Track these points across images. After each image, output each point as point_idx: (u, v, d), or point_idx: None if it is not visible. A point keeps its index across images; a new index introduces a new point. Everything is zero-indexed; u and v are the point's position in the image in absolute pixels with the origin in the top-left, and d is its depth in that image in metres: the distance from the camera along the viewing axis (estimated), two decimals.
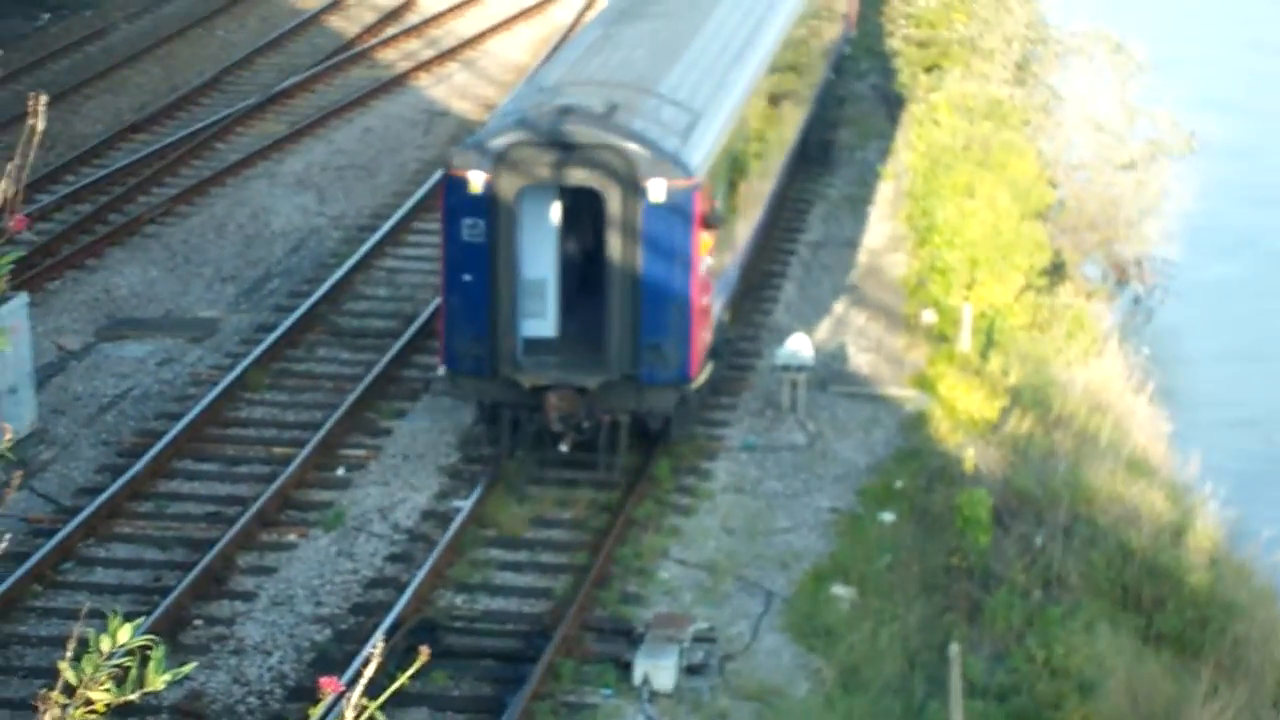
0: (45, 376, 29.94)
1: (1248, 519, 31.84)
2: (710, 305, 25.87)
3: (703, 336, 25.36)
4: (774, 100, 35.03)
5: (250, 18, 51.51)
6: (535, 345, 25.61)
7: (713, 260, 25.69)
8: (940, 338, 34.74)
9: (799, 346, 31.88)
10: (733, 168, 29.53)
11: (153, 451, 27.93)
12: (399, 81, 46.77)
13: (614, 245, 24.05)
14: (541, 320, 24.77)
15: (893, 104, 47.55)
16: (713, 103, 28.21)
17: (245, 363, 30.62)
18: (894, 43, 50.86)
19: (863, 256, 38.85)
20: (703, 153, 25.80)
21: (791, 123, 37.12)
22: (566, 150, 24.10)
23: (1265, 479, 35.02)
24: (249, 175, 39.78)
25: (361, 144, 42.06)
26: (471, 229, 24.04)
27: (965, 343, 34.03)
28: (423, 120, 43.54)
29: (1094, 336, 37.30)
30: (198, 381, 30.86)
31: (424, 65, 48.14)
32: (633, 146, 24.17)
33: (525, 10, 53.19)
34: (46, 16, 49.09)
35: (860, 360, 34.09)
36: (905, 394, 33.17)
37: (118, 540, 26.16)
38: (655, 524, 27.67)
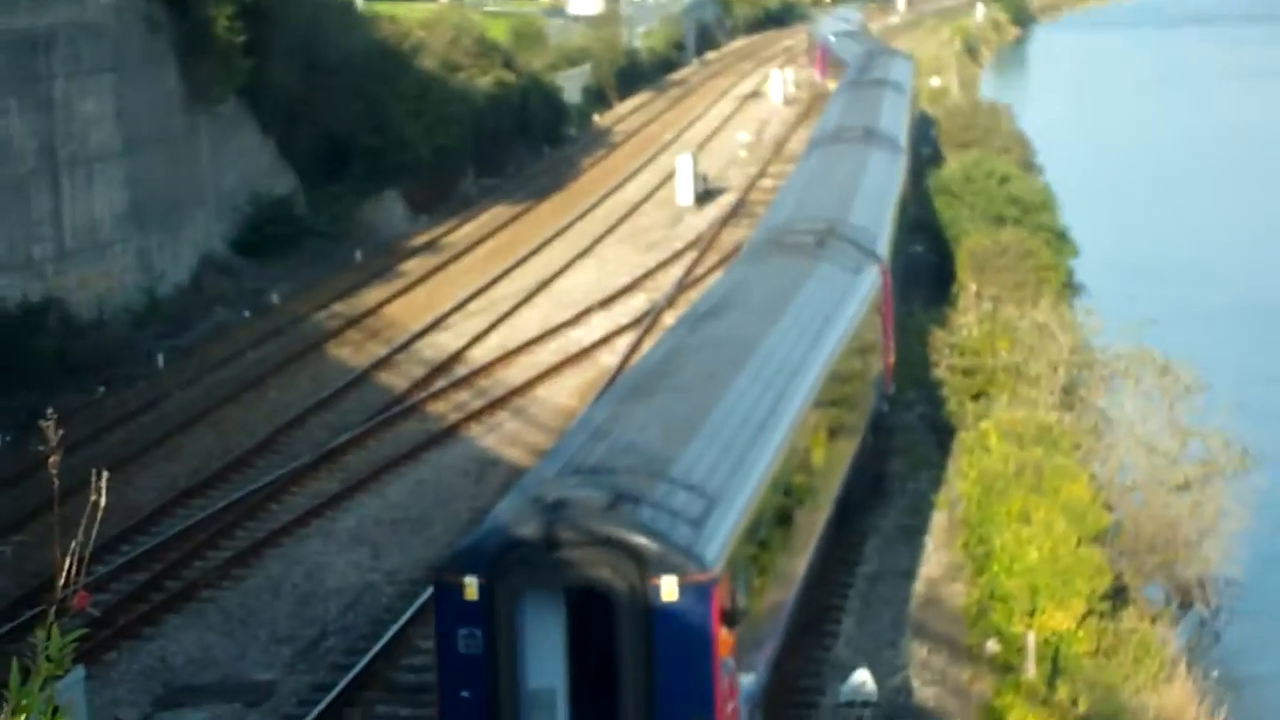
0: None
1: None
2: (737, 710, 23.59)
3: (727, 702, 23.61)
4: (803, 470, 32.72)
5: (301, 377, 51.85)
6: None
7: (736, 660, 23.59)
8: (1005, 668, 33.99)
9: (862, 681, 31.39)
10: (759, 551, 27.38)
11: None
12: (449, 433, 46.69)
13: (625, 651, 22.02)
14: None
15: (942, 432, 47.40)
16: (732, 482, 26.02)
17: None
18: (939, 372, 50.79)
19: (921, 587, 38.39)
20: (720, 541, 23.50)
21: (826, 491, 34.89)
22: (568, 548, 22.13)
23: None
24: (303, 534, 39.60)
25: (414, 497, 41.86)
26: (468, 640, 21.97)
27: (1030, 671, 33.28)
28: (474, 469, 43.20)
29: (1161, 661, 36.40)
30: None
31: (473, 415, 48.09)
32: (640, 540, 21.93)
33: (571, 356, 53.20)
34: (102, 389, 49.43)
35: (925, 694, 33.40)
36: None
37: None
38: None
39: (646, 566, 21.79)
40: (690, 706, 22.47)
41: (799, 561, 31.72)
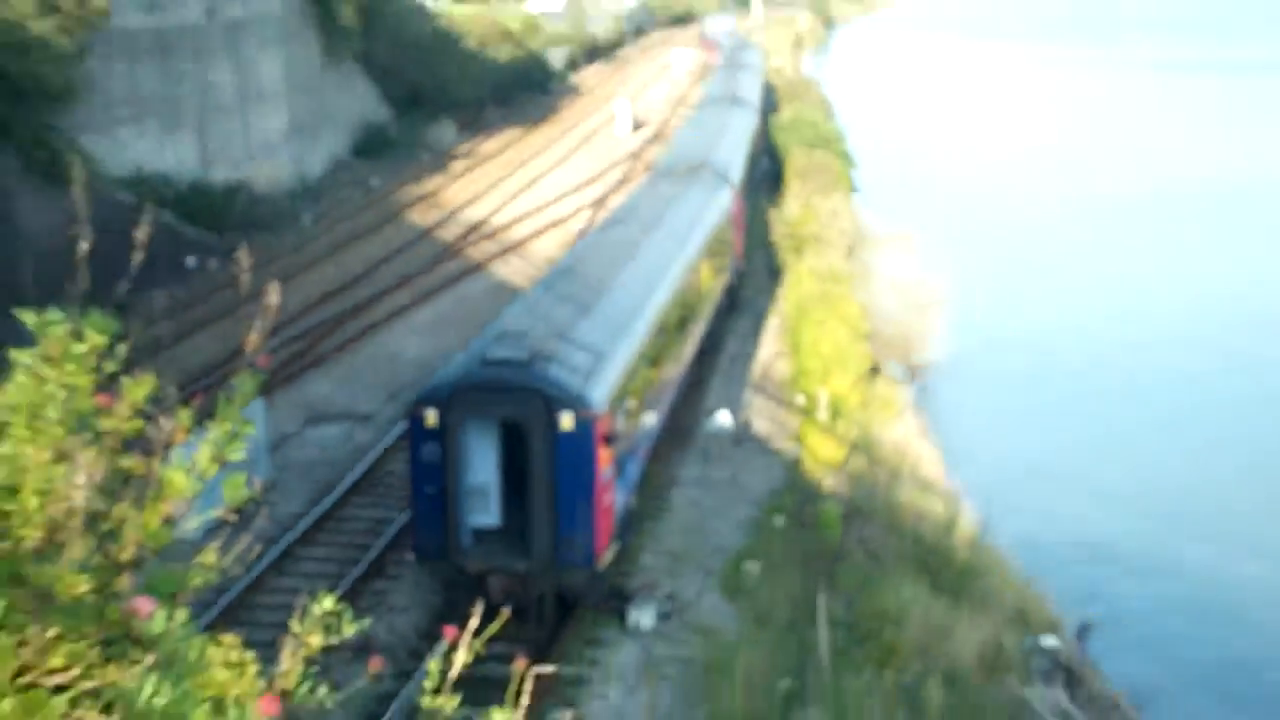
0: (274, 449, 31.11)
1: (991, 518, 33.17)
2: (612, 503, 23.59)
3: (606, 529, 23.27)
4: (672, 328, 31.61)
5: (389, 232, 53.33)
6: (483, 534, 23.36)
7: (613, 469, 23.41)
8: (807, 412, 36.25)
9: (722, 419, 33.54)
10: (635, 387, 26.48)
11: (338, 491, 29.38)
12: (477, 268, 48.14)
13: (536, 463, 22.01)
14: (487, 514, 22.68)
15: (775, 274, 49.12)
16: (616, 344, 25.53)
17: (388, 438, 31.93)
18: (775, 238, 53.02)
19: (758, 365, 40.36)
20: (603, 389, 23.21)
21: (683, 345, 34.10)
22: (499, 392, 22.29)
23: (1002, 494, 35.87)
24: (389, 327, 41.25)
25: (455, 307, 43.43)
26: (430, 453, 22.19)
27: (822, 414, 35.71)
28: (493, 291, 44.56)
29: (898, 409, 39.09)
30: (361, 449, 32.12)
31: (493, 258, 49.55)
32: (548, 388, 22.16)
33: (554, 223, 54.69)
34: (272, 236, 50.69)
35: (760, 425, 35.44)
36: (787, 447, 34.32)
37: (319, 545, 27.26)
38: (638, 528, 27.94)
39: (552, 406, 21.89)
40: (576, 499, 22.45)
41: (673, 380, 32.03)
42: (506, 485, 22.58)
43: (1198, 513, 38.75)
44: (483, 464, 22.27)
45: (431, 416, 21.92)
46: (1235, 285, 64.32)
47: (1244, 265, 68.14)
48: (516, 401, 21.93)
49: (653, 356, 28.59)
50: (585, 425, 21.89)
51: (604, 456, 22.52)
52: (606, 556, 23.36)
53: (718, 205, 40.88)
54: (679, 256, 33.88)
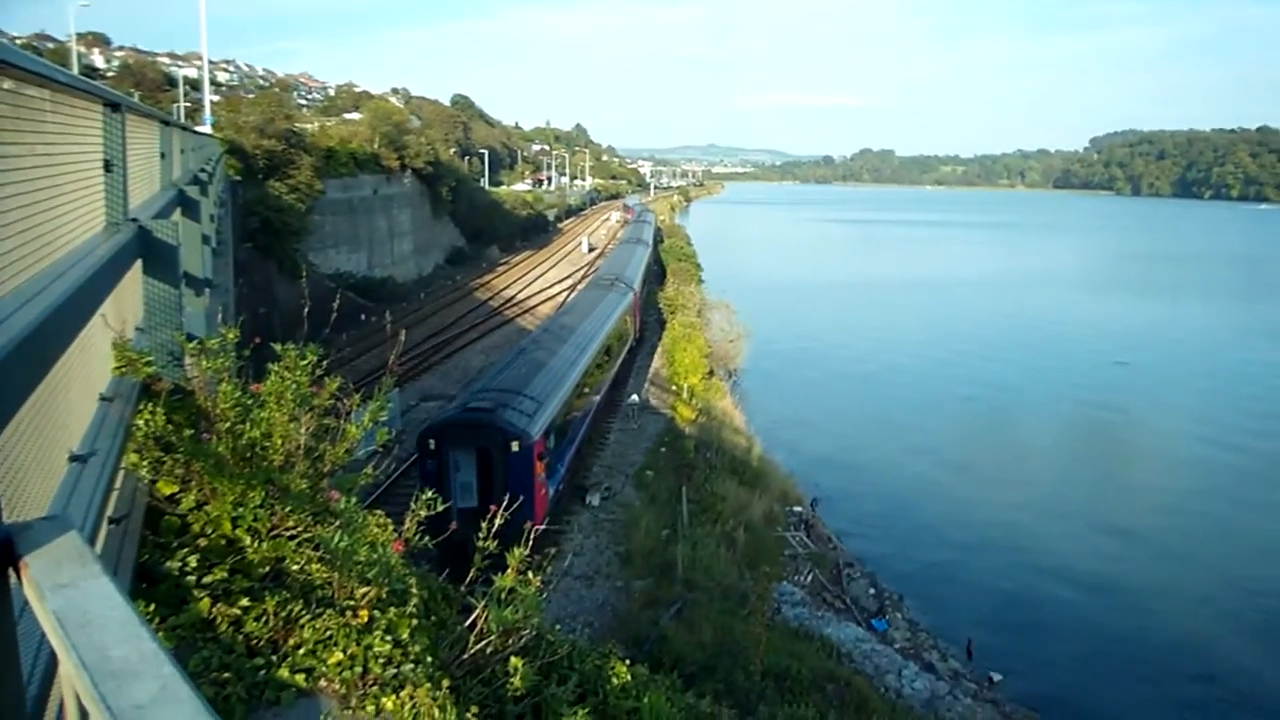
0: (403, 414, 29.04)
1: (770, 445, 32.38)
2: (547, 492, 20.46)
3: (544, 506, 20.06)
4: (592, 373, 27.80)
5: (462, 305, 51.13)
6: (466, 513, 17.99)
7: (547, 473, 20.35)
8: (678, 393, 35.42)
9: (634, 397, 33.00)
10: (561, 420, 22.59)
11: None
12: (507, 320, 46.09)
13: (497, 472, 18.99)
14: (470, 500, 18.64)
15: (661, 325, 47.26)
16: (551, 393, 21.94)
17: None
18: (660, 306, 50.83)
19: (653, 370, 39.11)
20: (540, 424, 19.91)
21: (604, 378, 30.68)
22: (474, 429, 19.17)
23: (777, 433, 35.18)
24: (463, 351, 40.06)
25: (497, 340, 41.68)
26: (431, 466, 18.92)
27: (685, 395, 34.99)
28: (515, 333, 41.75)
29: (723, 392, 37.86)
30: None
31: (515, 315, 47.32)
32: (504, 426, 19.11)
33: (549, 297, 52.03)
34: (402, 304, 48.48)
35: (655, 401, 34.40)
36: (668, 413, 33.29)
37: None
38: (594, 453, 26.96)
39: (506, 437, 18.90)
40: (521, 492, 17.83)
41: (595, 401, 28.06)
42: (480, 483, 19.38)
43: (893, 440, 36.94)
44: (466, 471, 19.23)
45: (433, 443, 19.02)
46: (932, 321, 62.85)
47: (957, 313, 66.55)
48: (485, 435, 19.02)
49: (577, 395, 24.71)
50: (527, 450, 18.94)
51: (539, 468, 19.48)
52: (545, 521, 20.73)
53: (625, 302, 37.29)
54: (600, 332, 30.24)
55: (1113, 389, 44.81)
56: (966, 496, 30.13)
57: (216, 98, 54.31)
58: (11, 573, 1.45)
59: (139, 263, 4.76)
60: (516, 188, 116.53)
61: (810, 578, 22.46)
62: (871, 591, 23.38)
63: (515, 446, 19.13)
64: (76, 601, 1.30)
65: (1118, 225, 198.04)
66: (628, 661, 6.55)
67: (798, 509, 26.45)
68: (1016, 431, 38.50)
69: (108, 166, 4.72)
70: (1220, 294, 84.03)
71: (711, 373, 40.06)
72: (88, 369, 3.76)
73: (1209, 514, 28.73)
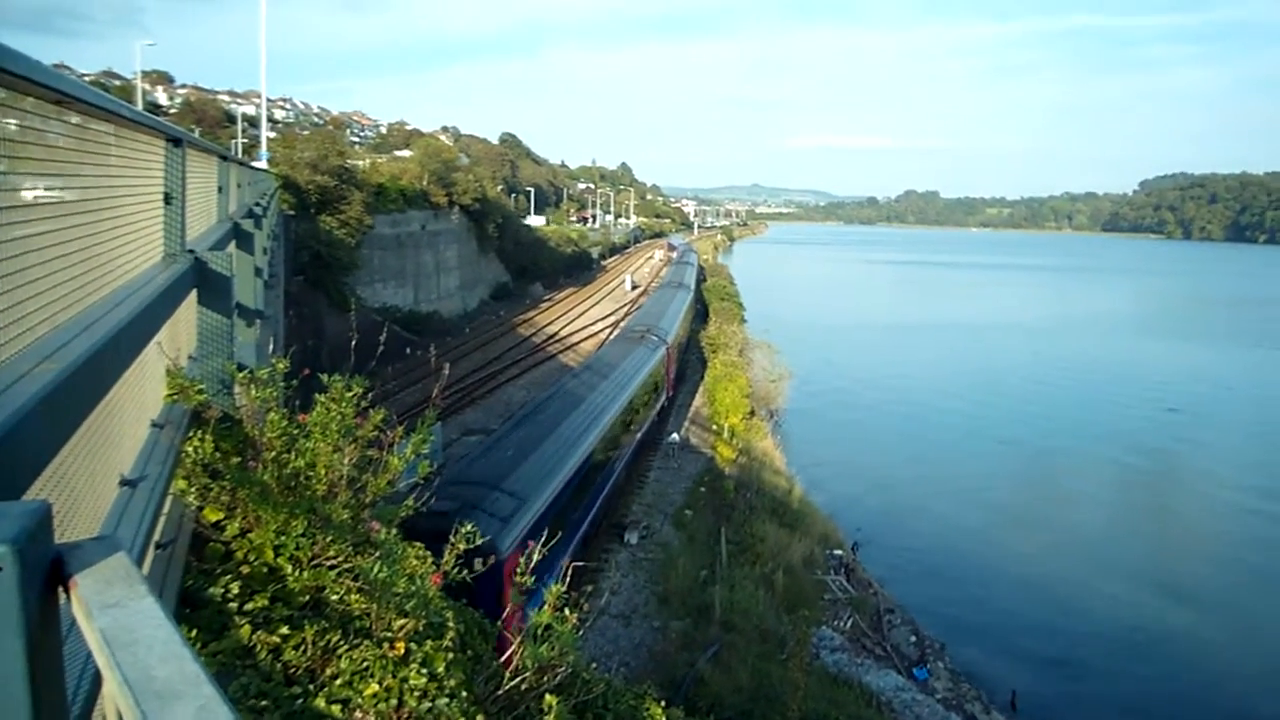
0: (445, 448, 28.49)
1: (811, 487, 32.12)
2: (525, 614, 12.20)
3: (519, 626, 12.32)
4: (604, 450, 22.96)
5: (508, 339, 51.35)
6: None
7: (528, 591, 11.83)
8: (719, 433, 35.42)
9: (675, 435, 33.03)
10: (557, 513, 17.42)
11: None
12: (550, 355, 46.33)
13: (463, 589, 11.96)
14: None
15: (703, 364, 47.66)
16: (540, 486, 17.04)
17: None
18: (703, 345, 50.89)
19: (694, 409, 39.30)
20: (518, 531, 15.23)
21: (619, 452, 25.42)
22: (433, 539, 9.94)
23: (818, 476, 34.60)
24: (506, 385, 39.95)
25: (541, 375, 41.55)
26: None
27: (727, 435, 34.93)
28: (558, 369, 42.03)
29: (764, 433, 37.83)
30: None
31: (559, 350, 47.33)
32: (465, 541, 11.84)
33: (592, 335, 51.96)
34: (448, 339, 48.73)
35: (696, 439, 34.59)
36: (708, 452, 33.41)
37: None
38: (631, 491, 26.88)
39: (468, 555, 11.51)
40: (491, 613, 15.86)
41: (594, 498, 22.03)
42: None
43: (936, 485, 36.22)
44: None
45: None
46: (976, 364, 62.01)
47: (1004, 356, 65.66)
48: (443, 549, 15.19)
49: (581, 479, 20.04)
50: (494, 567, 14.09)
51: (509, 589, 15.33)
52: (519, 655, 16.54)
53: (655, 358, 33.09)
54: (616, 400, 25.15)
55: (1164, 436, 44.07)
56: (1011, 544, 29.47)
57: (273, 134, 55.17)
58: (61, 591, 1.49)
59: (194, 292, 4.87)
60: (561, 223, 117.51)
61: (850, 623, 22.08)
62: (913, 639, 22.89)
63: (479, 565, 16.75)
64: (123, 621, 1.33)
65: (1169, 269, 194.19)
66: (663, 703, 6.48)
67: (838, 552, 26.11)
68: (1063, 478, 37.75)
69: (168, 199, 4.84)
70: (1275, 340, 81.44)
71: (753, 413, 39.90)
72: (141, 395, 3.82)
73: (1265, 569, 28.01)
